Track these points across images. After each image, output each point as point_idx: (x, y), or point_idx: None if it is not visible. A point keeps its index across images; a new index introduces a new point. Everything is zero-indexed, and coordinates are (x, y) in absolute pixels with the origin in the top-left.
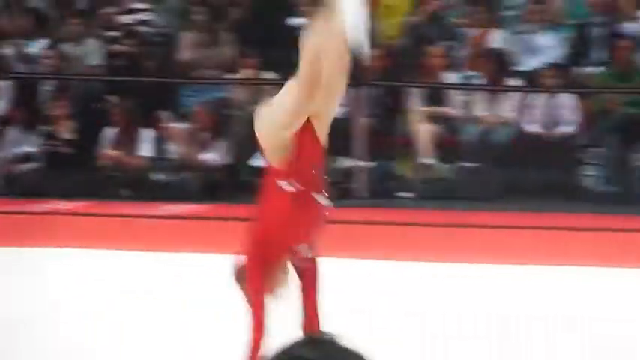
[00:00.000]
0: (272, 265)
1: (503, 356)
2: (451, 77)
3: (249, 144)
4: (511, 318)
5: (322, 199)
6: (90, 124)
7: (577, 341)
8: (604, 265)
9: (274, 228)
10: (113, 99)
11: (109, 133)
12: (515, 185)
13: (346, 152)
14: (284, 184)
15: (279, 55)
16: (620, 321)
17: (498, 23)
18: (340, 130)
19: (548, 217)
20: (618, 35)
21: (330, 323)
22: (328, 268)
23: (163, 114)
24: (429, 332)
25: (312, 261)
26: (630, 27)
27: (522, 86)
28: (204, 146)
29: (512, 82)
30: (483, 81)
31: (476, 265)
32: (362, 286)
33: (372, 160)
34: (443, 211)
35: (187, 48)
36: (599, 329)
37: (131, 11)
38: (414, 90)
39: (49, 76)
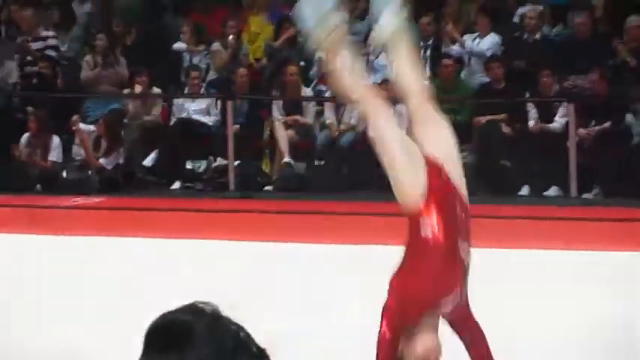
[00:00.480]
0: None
1: None
2: (306, 91)
3: (140, 147)
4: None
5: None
6: (10, 130)
7: None
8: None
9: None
10: (29, 110)
11: (26, 137)
12: (359, 179)
13: (220, 153)
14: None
15: (165, 74)
16: None
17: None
18: (215, 135)
19: (387, 206)
20: (443, 55)
21: None
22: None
23: (71, 122)
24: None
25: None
26: (455, 49)
27: None
28: (103, 149)
29: None
30: (332, 94)
31: (332, 246)
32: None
33: (241, 160)
34: (299, 201)
35: (89, 68)
36: None
37: (42, 39)
38: (276, 102)
39: None
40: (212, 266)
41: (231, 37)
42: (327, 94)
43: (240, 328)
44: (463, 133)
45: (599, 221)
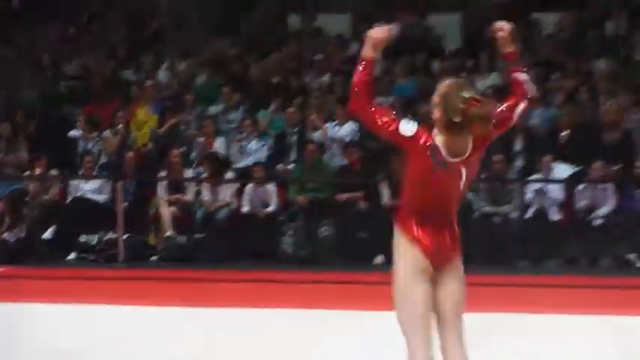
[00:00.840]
0: None
1: None
2: (187, 172)
3: (40, 223)
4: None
5: None
6: None
7: None
8: (303, 308)
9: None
10: None
11: None
12: (234, 250)
13: (111, 228)
14: None
15: (62, 158)
16: None
17: (221, 132)
18: (106, 211)
19: (259, 274)
20: (308, 141)
21: None
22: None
23: None
24: None
25: None
26: (317, 135)
27: (237, 179)
28: (7, 224)
29: (229, 175)
30: (209, 175)
31: (214, 310)
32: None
33: (130, 233)
34: (182, 269)
35: None
36: None
37: None
38: (160, 182)
39: None
40: (93, 329)
41: (120, 125)
42: (204, 176)
43: None
44: (325, 209)
45: None
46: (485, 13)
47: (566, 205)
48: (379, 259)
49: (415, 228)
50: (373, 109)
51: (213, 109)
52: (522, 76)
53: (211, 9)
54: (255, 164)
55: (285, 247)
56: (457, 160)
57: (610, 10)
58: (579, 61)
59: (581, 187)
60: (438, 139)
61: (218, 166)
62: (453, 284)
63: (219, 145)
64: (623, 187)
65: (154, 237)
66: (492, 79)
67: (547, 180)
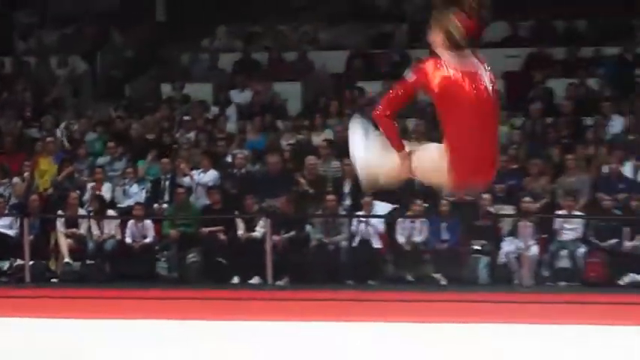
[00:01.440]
0: None
1: None
2: (80, 211)
3: None
4: None
5: None
6: None
7: None
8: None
9: None
10: None
11: None
12: (119, 274)
13: (19, 256)
14: None
15: None
16: None
17: (108, 179)
18: (15, 242)
19: (139, 292)
20: (178, 185)
21: None
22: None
23: None
24: None
25: None
26: (186, 180)
27: (121, 215)
28: None
29: (114, 213)
30: (97, 213)
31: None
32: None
33: (35, 260)
34: (76, 289)
35: None
36: None
37: None
38: (59, 219)
39: None
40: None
41: (26, 173)
42: (93, 214)
43: None
44: (192, 240)
45: (290, 300)
46: (321, 83)
47: (386, 235)
48: (235, 279)
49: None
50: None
51: (101, 160)
52: None
53: (100, 80)
54: (136, 204)
55: (160, 271)
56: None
57: None
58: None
59: (399, 220)
60: (447, 57)
61: (105, 205)
62: None
63: (106, 188)
64: (431, 221)
65: (55, 263)
66: (326, 134)
67: (369, 215)
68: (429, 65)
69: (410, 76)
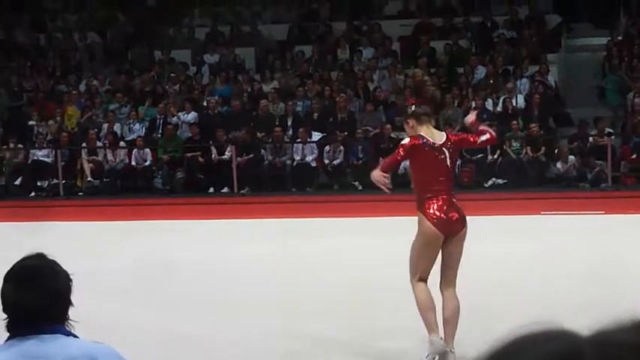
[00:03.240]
0: None
1: None
2: (98, 144)
3: (13, 174)
4: None
5: None
6: None
7: None
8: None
9: None
10: None
11: None
12: (127, 187)
13: (54, 176)
14: None
15: (24, 136)
16: None
17: (117, 120)
18: (51, 167)
19: (140, 200)
20: (168, 123)
21: None
22: None
23: None
24: None
25: None
26: (174, 119)
27: (128, 146)
28: None
29: (123, 144)
30: (111, 144)
31: None
32: None
33: (65, 179)
34: (95, 200)
35: None
36: None
37: None
38: (83, 149)
39: None
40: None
41: (58, 117)
42: (108, 145)
43: None
44: (179, 162)
45: (250, 204)
46: (269, 47)
47: (318, 156)
48: (211, 189)
49: (431, 207)
50: (393, 159)
51: (112, 107)
52: (482, 135)
53: (109, 49)
54: (138, 137)
55: (156, 185)
56: (439, 142)
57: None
58: (322, 74)
59: (327, 147)
60: (423, 132)
61: (117, 139)
62: (459, 244)
63: (116, 127)
64: (349, 145)
65: (80, 181)
66: (274, 84)
67: (306, 141)
68: (410, 143)
69: (399, 152)
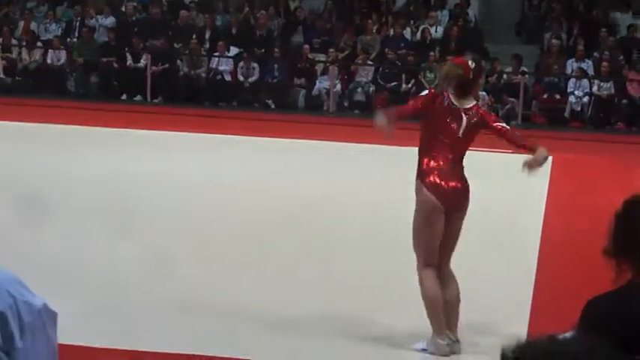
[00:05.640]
0: None
1: None
2: (13, 41)
3: None
4: None
5: None
6: None
7: None
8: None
9: None
10: None
11: None
12: (39, 87)
13: None
14: None
15: None
16: None
17: (34, 19)
18: None
19: (53, 102)
20: (85, 26)
21: None
22: None
23: None
24: None
25: None
26: (92, 22)
27: (44, 46)
28: None
29: (39, 44)
30: (27, 43)
31: None
32: None
33: None
34: (10, 98)
35: None
36: None
37: None
38: None
39: None
40: None
41: None
42: (24, 43)
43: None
44: (93, 67)
45: (162, 114)
46: None
47: (233, 71)
48: (124, 96)
49: (431, 175)
50: (408, 106)
51: (30, 5)
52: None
53: None
54: (55, 37)
55: (69, 87)
56: (461, 107)
57: None
58: None
59: (241, 63)
60: (449, 93)
61: (32, 38)
62: (459, 223)
63: (33, 26)
64: (264, 63)
65: None
66: None
67: (222, 56)
68: (430, 94)
69: (417, 101)
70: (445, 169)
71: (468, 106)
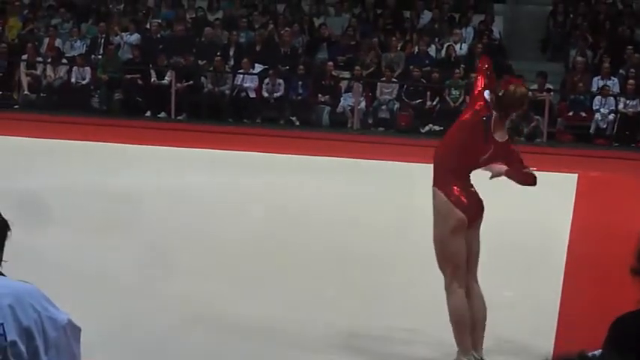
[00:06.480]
0: None
1: None
2: (39, 58)
3: None
4: None
5: None
6: None
7: None
8: (110, 142)
9: None
10: None
11: None
12: (65, 104)
13: None
14: None
15: None
16: None
17: (59, 35)
18: None
19: (78, 119)
20: (109, 43)
21: None
22: None
23: None
24: None
25: None
26: (116, 39)
27: (69, 63)
28: None
29: (64, 61)
30: (52, 60)
31: None
32: None
33: (2, 91)
34: (31, 114)
35: None
36: None
37: None
38: (22, 62)
39: None
40: None
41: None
42: (49, 60)
43: None
44: (117, 83)
45: (186, 131)
46: None
47: (258, 88)
48: (148, 113)
49: (456, 189)
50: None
51: (55, 21)
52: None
53: None
54: (79, 55)
55: (93, 104)
56: (495, 137)
57: None
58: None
59: (267, 79)
60: (493, 114)
61: (57, 55)
62: (477, 232)
63: (58, 42)
64: (290, 79)
65: (17, 94)
66: (219, 14)
67: (247, 73)
68: (483, 104)
69: (487, 95)
70: (467, 188)
71: (499, 139)
